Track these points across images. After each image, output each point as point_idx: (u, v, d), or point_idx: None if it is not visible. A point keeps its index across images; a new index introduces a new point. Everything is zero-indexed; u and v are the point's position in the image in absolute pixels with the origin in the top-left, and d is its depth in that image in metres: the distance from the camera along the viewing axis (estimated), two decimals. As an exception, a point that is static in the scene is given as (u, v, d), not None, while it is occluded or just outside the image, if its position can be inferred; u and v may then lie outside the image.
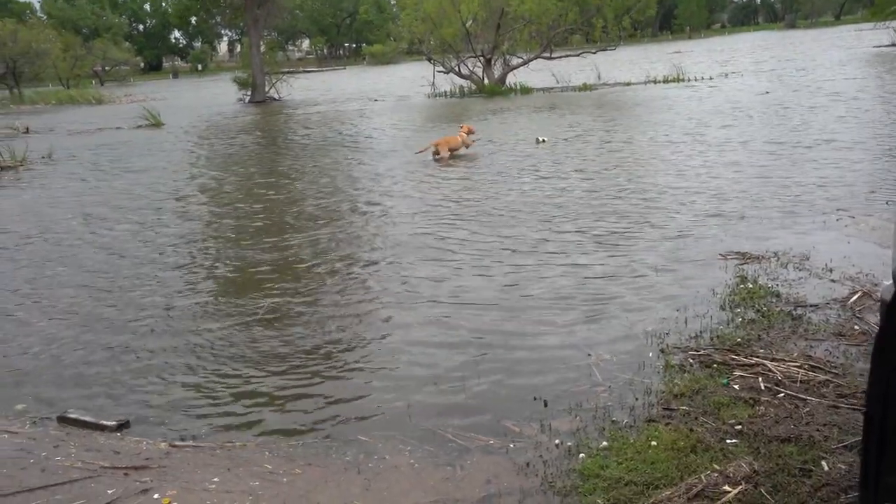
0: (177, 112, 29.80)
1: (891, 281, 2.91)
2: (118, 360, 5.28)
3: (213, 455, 3.91)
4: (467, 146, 13.85)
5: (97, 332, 5.88)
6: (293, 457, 3.84)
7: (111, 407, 4.57)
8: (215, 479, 3.64)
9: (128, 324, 6.03)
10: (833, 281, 5.73)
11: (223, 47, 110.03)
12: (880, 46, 34.36)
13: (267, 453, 3.88)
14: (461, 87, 30.30)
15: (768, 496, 3.05)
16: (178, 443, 4.06)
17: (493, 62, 31.13)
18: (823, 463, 3.26)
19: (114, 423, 4.26)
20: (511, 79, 30.69)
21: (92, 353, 5.47)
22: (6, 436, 4.25)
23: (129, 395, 4.76)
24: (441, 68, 31.85)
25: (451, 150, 13.50)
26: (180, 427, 4.26)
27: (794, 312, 5.13)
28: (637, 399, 4.09)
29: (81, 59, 60.96)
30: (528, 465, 3.53)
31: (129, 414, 4.42)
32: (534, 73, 31.08)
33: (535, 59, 31.33)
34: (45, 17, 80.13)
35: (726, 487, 3.13)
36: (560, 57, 31.78)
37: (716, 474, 3.23)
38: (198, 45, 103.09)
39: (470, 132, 14.01)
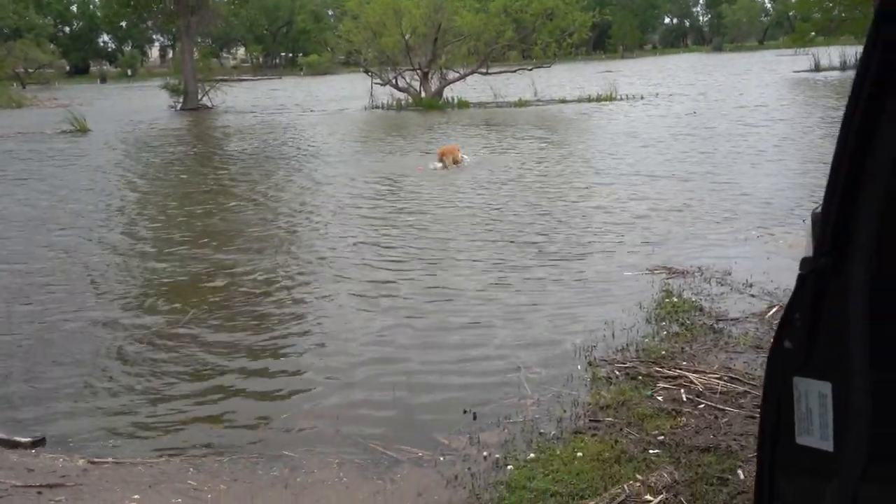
0: (104, 117, 28.88)
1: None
2: (34, 377, 5.08)
3: (134, 471, 3.79)
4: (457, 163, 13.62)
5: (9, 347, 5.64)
6: (218, 473, 3.75)
7: (26, 424, 4.39)
8: (135, 497, 3.53)
9: (42, 338, 5.80)
10: (752, 296, 5.95)
11: (154, 52, 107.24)
12: (800, 71, 36.00)
13: (191, 469, 3.79)
14: (398, 101, 30.31)
15: (687, 505, 3.14)
16: (96, 459, 3.92)
17: (430, 76, 31.27)
18: (740, 471, 3.37)
19: (28, 439, 4.08)
20: (448, 92, 30.89)
21: (6, 368, 5.24)
22: None
23: (45, 411, 4.57)
24: (378, 80, 31.83)
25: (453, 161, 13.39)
26: (99, 444, 4.12)
27: (715, 326, 5.30)
28: (565, 411, 4.16)
29: (1, 60, 58.47)
30: (456, 477, 3.54)
31: (46, 431, 4.24)
32: (470, 88, 31.37)
33: (472, 73, 31.62)
34: (-38, 16, 76.70)
35: (648, 497, 3.20)
36: (497, 73, 32.18)
37: (638, 484, 3.30)
38: (128, 49, 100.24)
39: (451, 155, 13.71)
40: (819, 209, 2.98)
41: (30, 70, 71.44)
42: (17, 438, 4.09)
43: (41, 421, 4.43)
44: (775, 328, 5.07)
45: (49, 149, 19.51)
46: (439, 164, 13.36)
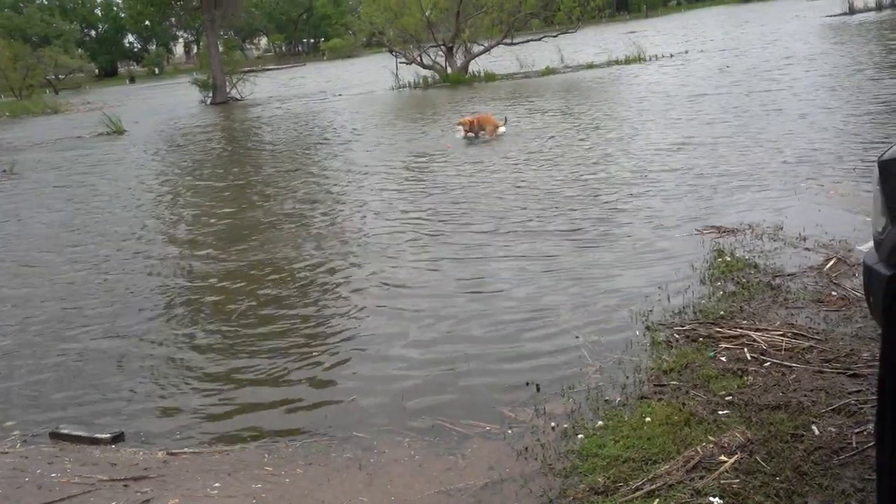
0: (138, 117, 29.30)
1: (870, 245, 2.99)
2: (103, 374, 5.23)
3: (213, 461, 3.91)
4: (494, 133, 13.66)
5: (78, 345, 5.81)
6: (293, 457, 3.85)
7: (104, 420, 4.54)
8: (216, 485, 3.64)
9: (108, 335, 5.97)
10: (807, 249, 5.86)
11: (179, 49, 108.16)
12: (834, 15, 34.91)
13: (266, 455, 3.89)
14: (424, 78, 30.19)
15: (763, 463, 3.13)
16: (175, 451, 4.05)
17: (454, 51, 31.08)
18: (814, 427, 3.35)
19: (108, 435, 4.23)
20: (474, 66, 30.67)
21: (79, 365, 5.41)
22: (-2, 456, 4.20)
23: (123, 407, 4.72)
24: (403, 59, 31.73)
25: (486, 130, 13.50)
26: (176, 436, 4.24)
27: (772, 282, 5.24)
28: (628, 377, 4.16)
29: (33, 69, 59.49)
30: (526, 449, 3.58)
31: (124, 426, 4.38)
32: (496, 60, 31.11)
33: (497, 45, 31.34)
34: (-9, 27, 78.13)
35: (722, 457, 3.21)
36: (521, 42, 31.84)
37: (711, 445, 3.30)
38: (153, 48, 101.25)
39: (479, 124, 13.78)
40: (885, 156, 2.91)
41: (60, 76, 72.69)
42: (98, 435, 4.24)
43: (117, 416, 4.58)
44: (835, 281, 5.01)
45: (92, 152, 19.88)
46: (463, 135, 13.40)
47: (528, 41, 32.32)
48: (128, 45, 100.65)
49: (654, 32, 43.40)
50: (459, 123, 14.03)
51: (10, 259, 8.98)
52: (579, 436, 3.60)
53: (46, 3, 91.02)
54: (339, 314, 5.88)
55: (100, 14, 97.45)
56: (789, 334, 4.35)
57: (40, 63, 63.65)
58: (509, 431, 3.79)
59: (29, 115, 38.52)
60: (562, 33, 32.46)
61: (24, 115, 38.90)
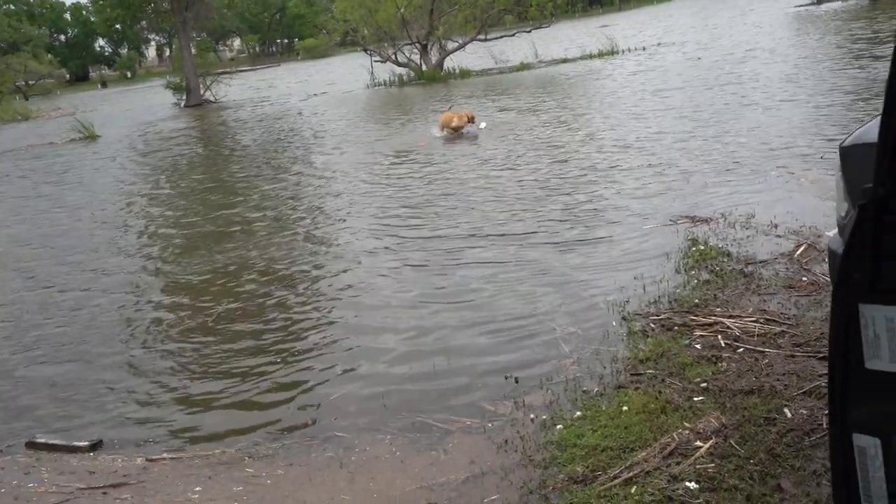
0: (111, 122, 29.00)
1: (834, 231, 3.05)
2: (81, 381, 5.20)
3: (193, 465, 3.90)
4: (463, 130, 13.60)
5: (48, 354, 5.76)
6: (274, 458, 3.85)
7: (79, 429, 4.50)
8: (197, 489, 3.63)
9: (80, 343, 5.92)
10: (779, 236, 5.95)
11: (152, 52, 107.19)
12: (802, 6, 35.33)
13: (247, 458, 3.88)
14: (400, 76, 30.19)
15: (737, 447, 3.18)
16: (154, 457, 4.03)
17: (429, 48, 31.09)
18: (786, 410, 3.41)
19: (86, 443, 4.20)
20: (449, 63, 30.70)
21: (50, 375, 5.36)
22: (-28, 468, 4.16)
23: (95, 415, 4.68)
24: (378, 58, 31.69)
25: (455, 127, 13.41)
26: (154, 442, 4.22)
27: (745, 270, 5.31)
28: (605, 367, 4.21)
29: (2, 75, 58.66)
30: (506, 441, 3.61)
31: (101, 434, 4.35)
32: (471, 56, 31.14)
33: (471, 41, 31.39)
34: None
35: (698, 443, 3.26)
36: (495, 38, 31.91)
37: (687, 431, 3.35)
38: (124, 51, 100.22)
39: (470, 119, 13.71)
40: (845, 143, 2.97)
41: (30, 82, 71.74)
42: (76, 443, 4.21)
43: (92, 425, 4.54)
44: (805, 266, 5.09)
45: (65, 158, 19.64)
46: (441, 132, 13.42)
47: (502, 37, 32.43)
48: (98, 49, 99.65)
49: (626, 26, 43.70)
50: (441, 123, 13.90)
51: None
52: (558, 426, 3.63)
53: (14, 8, 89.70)
54: (315, 316, 5.87)
55: (69, 18, 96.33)
56: (762, 320, 4.42)
57: (9, 69, 62.78)
58: (489, 425, 3.82)
59: (-1, 123, 37.95)
60: (535, 28, 32.60)
61: (-6, 123, 38.31)
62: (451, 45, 31.65)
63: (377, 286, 6.31)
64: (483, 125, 14.16)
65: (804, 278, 4.99)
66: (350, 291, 6.29)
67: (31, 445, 4.30)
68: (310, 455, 3.83)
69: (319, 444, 3.91)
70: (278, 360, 5.09)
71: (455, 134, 13.47)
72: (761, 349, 4.07)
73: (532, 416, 3.82)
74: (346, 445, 3.85)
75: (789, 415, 3.37)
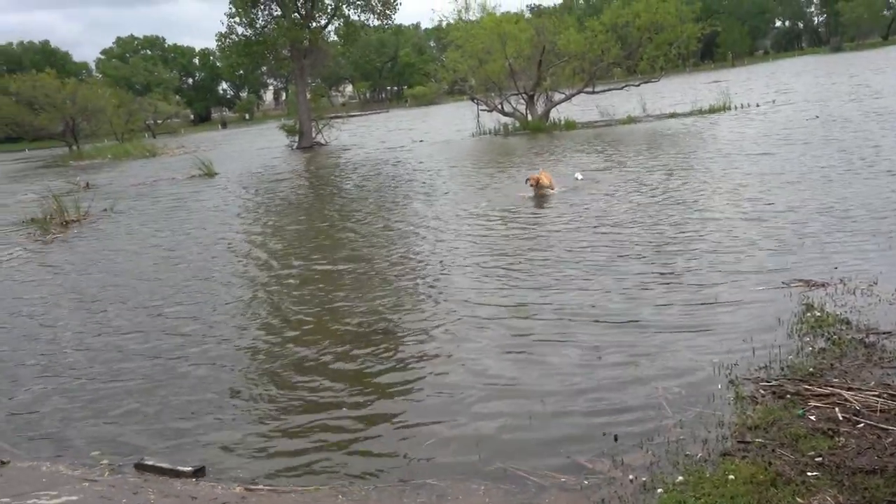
0: (228, 161, 30.61)
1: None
2: (188, 409, 5.40)
3: (287, 499, 3.97)
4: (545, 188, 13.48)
5: (161, 381, 6.03)
6: (366, 500, 3.87)
7: (183, 453, 4.67)
8: (291, 522, 3.68)
9: (189, 372, 6.17)
10: (905, 306, 5.58)
11: (269, 96, 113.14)
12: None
13: (341, 496, 3.92)
14: (505, 125, 30.49)
15: (857, 530, 2.97)
16: (252, 487, 4.12)
17: (535, 98, 31.32)
18: (913, 495, 3.16)
19: (190, 468, 4.35)
20: (555, 114, 30.80)
21: (161, 401, 5.61)
22: (86, 484, 4.37)
23: (199, 441, 4.85)
24: (485, 107, 32.17)
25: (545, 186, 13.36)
26: (254, 473, 4.32)
27: (866, 340, 5.01)
28: (710, 432, 4.03)
29: (134, 114, 63.21)
30: (603, 501, 3.50)
31: (204, 460, 4.50)
32: (577, 108, 31.14)
33: (578, 93, 31.43)
34: (100, 76, 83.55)
35: (812, 522, 3.06)
36: (603, 91, 31.84)
37: (800, 508, 3.15)
38: (245, 95, 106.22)
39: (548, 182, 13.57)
40: None
41: (158, 121, 77.00)
42: (181, 468, 4.37)
43: (194, 450, 4.70)
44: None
45: (186, 192, 20.82)
46: (529, 193, 13.22)
47: (609, 90, 32.28)
48: (221, 91, 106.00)
49: (740, 81, 42.72)
50: (528, 180, 13.76)
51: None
52: (658, 490, 3.50)
53: (150, 53, 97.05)
54: (415, 359, 5.90)
55: (197, 63, 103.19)
56: (885, 395, 4.14)
57: (141, 109, 67.64)
58: (586, 482, 3.72)
59: (129, 158, 40.76)
60: (644, 82, 32.29)
61: (125, 158, 41.20)
62: (557, 97, 31.76)
63: (476, 336, 6.27)
64: (579, 176, 14.25)
65: (933, 353, 4.64)
66: (449, 339, 6.28)
67: (140, 467, 4.49)
68: (402, 500, 3.82)
69: (412, 490, 3.90)
70: (379, 401, 5.13)
71: (541, 192, 13.26)
72: (885, 426, 3.80)
73: (631, 476, 3.69)
74: (439, 493, 3.82)
75: (916, 500, 3.12)
